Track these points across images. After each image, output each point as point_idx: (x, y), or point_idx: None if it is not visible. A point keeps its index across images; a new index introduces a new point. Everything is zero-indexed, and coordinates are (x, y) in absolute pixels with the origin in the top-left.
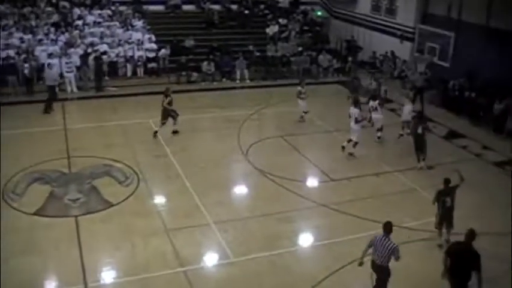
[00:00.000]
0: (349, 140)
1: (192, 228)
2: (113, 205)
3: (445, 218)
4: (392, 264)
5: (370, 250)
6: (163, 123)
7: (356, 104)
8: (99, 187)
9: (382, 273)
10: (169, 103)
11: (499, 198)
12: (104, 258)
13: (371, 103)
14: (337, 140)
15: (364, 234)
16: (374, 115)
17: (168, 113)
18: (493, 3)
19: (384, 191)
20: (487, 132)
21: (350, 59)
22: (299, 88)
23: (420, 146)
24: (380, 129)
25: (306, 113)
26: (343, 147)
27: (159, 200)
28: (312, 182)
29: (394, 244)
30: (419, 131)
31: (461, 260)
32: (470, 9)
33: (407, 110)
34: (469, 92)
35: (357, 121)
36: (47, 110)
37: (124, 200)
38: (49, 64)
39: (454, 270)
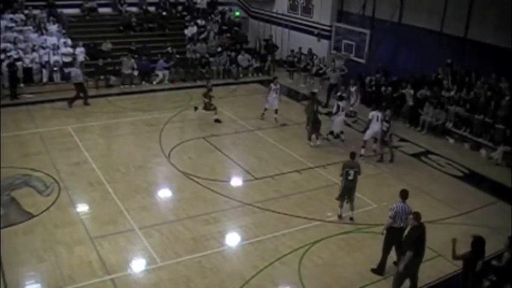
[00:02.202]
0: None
1: (117, 235)
2: (34, 216)
3: (348, 190)
4: (318, 259)
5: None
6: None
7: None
8: (19, 198)
9: (401, 236)
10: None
11: (418, 188)
12: (27, 272)
13: None
14: (259, 139)
15: (289, 230)
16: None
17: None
18: (405, 1)
19: (306, 187)
20: (403, 125)
21: (269, 58)
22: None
23: (316, 124)
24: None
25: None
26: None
27: (82, 208)
28: (236, 181)
29: (410, 207)
30: (315, 108)
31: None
32: (384, 7)
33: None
34: (385, 87)
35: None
36: None
37: (45, 210)
38: None
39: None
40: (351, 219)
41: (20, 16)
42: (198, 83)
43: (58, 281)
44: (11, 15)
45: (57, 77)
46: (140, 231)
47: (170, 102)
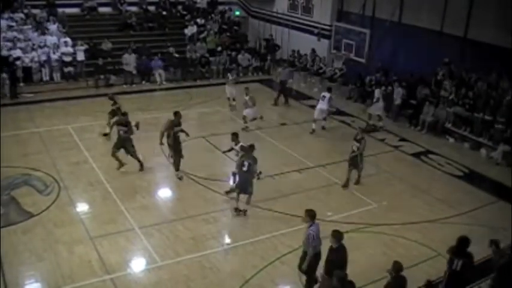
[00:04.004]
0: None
1: (117, 235)
2: (33, 215)
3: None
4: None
5: None
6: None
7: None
8: (18, 197)
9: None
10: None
11: (418, 187)
12: (27, 271)
13: None
14: (259, 138)
15: (288, 230)
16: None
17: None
18: (405, 0)
19: (306, 186)
20: (403, 125)
21: (269, 57)
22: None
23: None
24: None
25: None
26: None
27: (82, 207)
28: (236, 181)
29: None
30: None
31: None
32: (384, 6)
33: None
34: (385, 86)
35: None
36: None
37: (45, 209)
38: None
39: None
40: (240, 210)
41: (19, 15)
42: (198, 82)
43: (58, 281)
44: (11, 15)
45: (57, 76)
46: (140, 230)
47: (170, 102)
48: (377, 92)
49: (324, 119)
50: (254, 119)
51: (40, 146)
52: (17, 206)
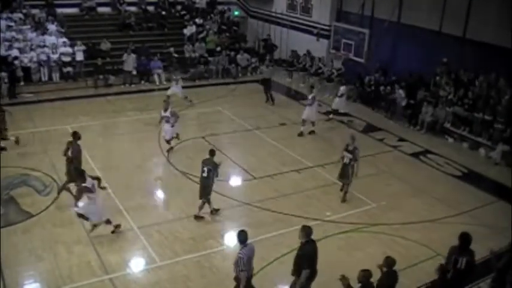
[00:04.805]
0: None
1: (116, 234)
2: (32, 216)
3: (201, 187)
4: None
5: None
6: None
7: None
8: (17, 198)
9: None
10: None
11: (417, 187)
12: (26, 271)
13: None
14: (258, 138)
15: (288, 230)
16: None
17: None
18: (404, 0)
19: (305, 186)
20: (402, 124)
21: (268, 57)
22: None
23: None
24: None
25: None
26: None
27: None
28: (235, 181)
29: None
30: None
31: None
32: (383, 6)
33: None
34: (384, 86)
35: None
36: None
37: (44, 209)
38: None
39: None
40: (197, 217)
41: (18, 15)
42: (197, 82)
43: (57, 280)
44: (10, 14)
45: (56, 76)
46: (139, 230)
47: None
48: (342, 89)
49: (312, 123)
50: (172, 138)
51: (39, 146)
52: (16, 206)
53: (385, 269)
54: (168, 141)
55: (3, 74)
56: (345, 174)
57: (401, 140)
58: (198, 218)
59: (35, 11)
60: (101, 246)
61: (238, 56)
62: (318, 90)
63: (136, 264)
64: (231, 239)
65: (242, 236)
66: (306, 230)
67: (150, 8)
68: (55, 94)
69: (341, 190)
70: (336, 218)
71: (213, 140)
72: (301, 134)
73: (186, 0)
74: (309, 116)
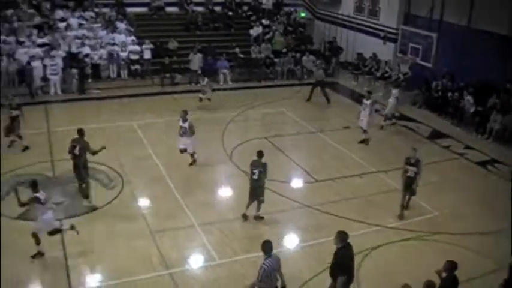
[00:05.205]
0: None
1: (177, 231)
2: (97, 208)
3: (252, 189)
4: (376, 265)
5: None
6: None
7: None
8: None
9: None
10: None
11: (482, 197)
12: (89, 262)
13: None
14: (321, 141)
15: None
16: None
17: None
18: (474, 4)
19: (367, 191)
20: (469, 132)
21: (334, 60)
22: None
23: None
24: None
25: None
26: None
27: (144, 202)
28: (297, 183)
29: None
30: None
31: None
32: (452, 10)
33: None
34: (452, 92)
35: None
36: None
37: (108, 203)
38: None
39: None
40: (257, 217)
41: (90, 14)
42: (263, 83)
43: (118, 273)
44: (82, 13)
45: (124, 73)
46: (200, 227)
47: (233, 102)
48: (395, 92)
49: (365, 130)
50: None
51: (105, 141)
52: (81, 199)
53: (444, 274)
54: (191, 155)
55: (74, 71)
56: (410, 187)
57: (467, 147)
58: (258, 218)
59: (105, 10)
60: (162, 241)
61: (304, 58)
62: (383, 94)
63: (196, 261)
64: (289, 241)
65: (267, 246)
66: (341, 236)
67: (217, 9)
68: (122, 91)
69: (404, 197)
70: (398, 225)
71: (276, 141)
72: (362, 142)
73: (253, 1)
74: (362, 122)
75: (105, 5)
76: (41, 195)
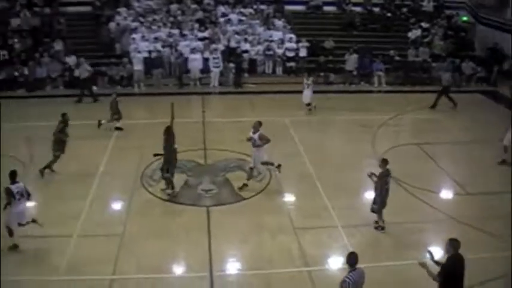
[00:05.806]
0: None
1: (320, 229)
2: (244, 199)
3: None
4: None
5: None
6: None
7: None
8: (232, 180)
9: None
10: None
11: None
12: (231, 250)
13: None
14: (476, 153)
15: (496, 255)
16: None
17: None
18: None
19: None
20: None
21: (496, 68)
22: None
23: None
24: None
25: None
26: None
27: (289, 198)
28: (446, 193)
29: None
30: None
31: None
32: None
33: None
34: None
35: None
36: None
37: (255, 195)
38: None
39: None
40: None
41: (249, 10)
42: (417, 88)
43: (258, 263)
44: (242, 9)
45: (279, 70)
46: (342, 229)
47: (387, 105)
48: None
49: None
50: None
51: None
52: (230, 188)
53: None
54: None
55: (231, 65)
56: None
57: None
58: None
59: (263, 7)
60: (304, 238)
61: (463, 64)
62: None
63: (335, 262)
64: (434, 253)
65: (351, 259)
66: (453, 244)
67: (376, 9)
68: (276, 87)
69: None
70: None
71: (428, 149)
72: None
73: (413, 2)
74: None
75: (263, 2)
76: (16, 187)
